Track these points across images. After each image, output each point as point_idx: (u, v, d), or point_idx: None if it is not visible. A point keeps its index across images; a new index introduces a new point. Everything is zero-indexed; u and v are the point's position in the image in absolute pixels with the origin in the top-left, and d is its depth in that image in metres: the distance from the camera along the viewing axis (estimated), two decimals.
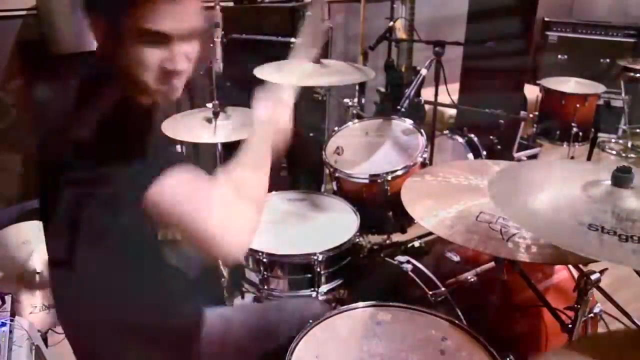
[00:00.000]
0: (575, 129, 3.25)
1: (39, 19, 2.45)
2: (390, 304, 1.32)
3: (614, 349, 0.91)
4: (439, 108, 2.54)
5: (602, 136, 4.17)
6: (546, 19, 4.60)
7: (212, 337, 1.25)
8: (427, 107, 3.00)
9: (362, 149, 2.15)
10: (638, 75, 3.84)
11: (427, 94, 2.79)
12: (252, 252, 1.65)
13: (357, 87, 3.25)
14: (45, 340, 1.83)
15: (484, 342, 1.18)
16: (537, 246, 1.19)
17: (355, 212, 1.86)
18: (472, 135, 2.86)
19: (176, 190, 0.89)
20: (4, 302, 1.50)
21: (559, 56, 4.59)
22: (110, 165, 0.87)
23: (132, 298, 1.09)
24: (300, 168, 2.86)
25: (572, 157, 3.25)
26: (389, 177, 1.93)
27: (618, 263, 0.86)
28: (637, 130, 4.17)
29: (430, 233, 1.53)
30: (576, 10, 5.06)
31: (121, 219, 0.88)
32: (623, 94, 4.00)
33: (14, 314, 1.47)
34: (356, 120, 2.31)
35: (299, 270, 1.67)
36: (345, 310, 1.31)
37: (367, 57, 3.31)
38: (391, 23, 3.12)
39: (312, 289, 1.68)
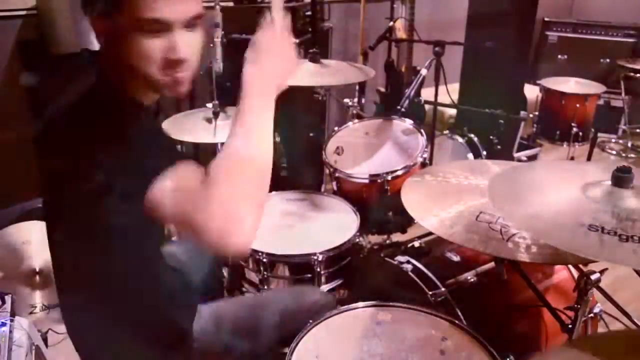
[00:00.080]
0: (575, 129, 3.25)
1: (39, 18, 2.45)
2: (390, 304, 1.33)
3: (614, 349, 0.91)
4: (439, 108, 2.54)
5: (602, 136, 4.16)
6: (546, 19, 4.59)
7: (206, 331, 1.25)
8: (427, 107, 2.99)
9: (362, 149, 2.15)
10: (638, 75, 3.84)
11: (427, 94, 2.79)
12: (252, 252, 1.65)
13: (357, 87, 3.24)
14: (45, 340, 1.82)
15: (484, 342, 1.18)
16: (537, 246, 1.19)
17: (355, 212, 1.86)
18: (472, 135, 2.87)
19: (177, 189, 0.89)
20: (4, 302, 1.49)
21: (559, 56, 4.59)
22: (112, 165, 0.87)
23: (132, 297, 1.09)
24: (300, 168, 2.86)
25: (572, 157, 3.24)
26: (389, 177, 1.93)
27: (618, 263, 0.86)
28: (637, 130, 4.17)
29: (430, 233, 1.53)
30: (576, 10, 5.06)
31: (123, 218, 0.88)
32: (623, 94, 4.00)
33: (14, 314, 1.47)
34: (356, 120, 2.31)
35: (299, 270, 1.67)
36: (345, 310, 1.32)
37: (367, 57, 3.30)
38: (391, 23, 3.12)
39: None
